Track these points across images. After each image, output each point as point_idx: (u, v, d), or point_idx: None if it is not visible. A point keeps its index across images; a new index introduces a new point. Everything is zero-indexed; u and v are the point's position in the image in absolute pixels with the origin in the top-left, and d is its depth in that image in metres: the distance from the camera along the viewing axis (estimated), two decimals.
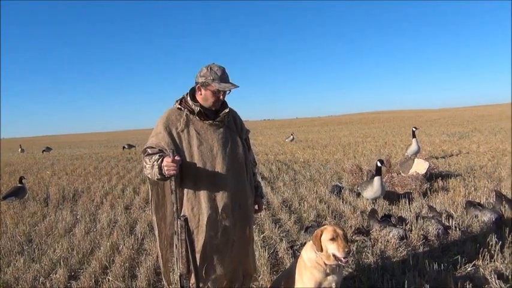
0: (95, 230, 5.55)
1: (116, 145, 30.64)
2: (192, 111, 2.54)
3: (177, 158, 2.32)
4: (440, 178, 7.38)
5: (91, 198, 7.80)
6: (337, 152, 13.86)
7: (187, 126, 2.53)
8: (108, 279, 3.72)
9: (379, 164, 5.87)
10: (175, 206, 2.39)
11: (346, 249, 2.42)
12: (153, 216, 2.65)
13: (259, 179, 2.98)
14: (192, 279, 2.45)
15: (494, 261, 3.48)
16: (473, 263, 3.50)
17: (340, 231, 2.51)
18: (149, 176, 2.46)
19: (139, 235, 5.07)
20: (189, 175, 2.49)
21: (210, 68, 2.47)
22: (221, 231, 2.54)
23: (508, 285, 3.09)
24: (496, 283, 3.04)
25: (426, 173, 7.24)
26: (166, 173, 2.32)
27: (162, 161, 2.34)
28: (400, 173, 7.58)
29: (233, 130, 2.67)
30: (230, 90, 2.52)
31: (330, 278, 2.56)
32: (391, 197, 6.17)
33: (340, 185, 7.19)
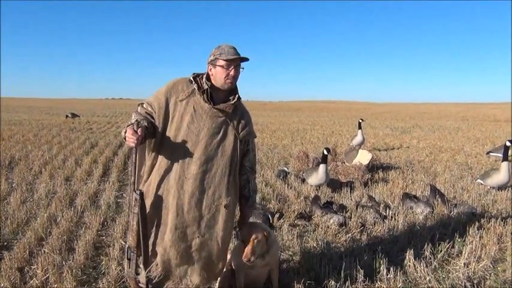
0: (31, 200, 5.32)
1: (58, 113, 29.22)
2: (200, 88, 2.45)
3: (139, 131, 2.20)
4: (381, 170, 7.70)
5: (29, 167, 7.43)
6: (285, 138, 14.07)
7: (188, 100, 2.45)
8: (44, 251, 3.58)
9: (325, 152, 6.02)
10: (132, 178, 2.34)
11: (245, 259, 2.56)
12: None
13: (253, 190, 2.75)
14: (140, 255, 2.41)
15: (424, 251, 3.70)
16: (404, 251, 3.69)
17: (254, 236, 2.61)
18: None
19: (79, 208, 4.92)
20: (167, 146, 2.42)
21: (219, 46, 2.43)
22: (182, 213, 2.42)
23: (435, 273, 3.32)
24: (424, 271, 3.25)
25: (369, 164, 7.52)
26: (126, 142, 2.23)
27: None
28: (344, 162, 7.83)
29: (232, 126, 2.52)
30: (243, 68, 2.46)
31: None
32: (334, 184, 6.37)
33: (287, 170, 7.33)
